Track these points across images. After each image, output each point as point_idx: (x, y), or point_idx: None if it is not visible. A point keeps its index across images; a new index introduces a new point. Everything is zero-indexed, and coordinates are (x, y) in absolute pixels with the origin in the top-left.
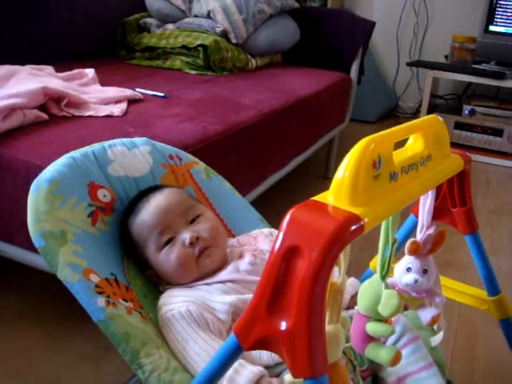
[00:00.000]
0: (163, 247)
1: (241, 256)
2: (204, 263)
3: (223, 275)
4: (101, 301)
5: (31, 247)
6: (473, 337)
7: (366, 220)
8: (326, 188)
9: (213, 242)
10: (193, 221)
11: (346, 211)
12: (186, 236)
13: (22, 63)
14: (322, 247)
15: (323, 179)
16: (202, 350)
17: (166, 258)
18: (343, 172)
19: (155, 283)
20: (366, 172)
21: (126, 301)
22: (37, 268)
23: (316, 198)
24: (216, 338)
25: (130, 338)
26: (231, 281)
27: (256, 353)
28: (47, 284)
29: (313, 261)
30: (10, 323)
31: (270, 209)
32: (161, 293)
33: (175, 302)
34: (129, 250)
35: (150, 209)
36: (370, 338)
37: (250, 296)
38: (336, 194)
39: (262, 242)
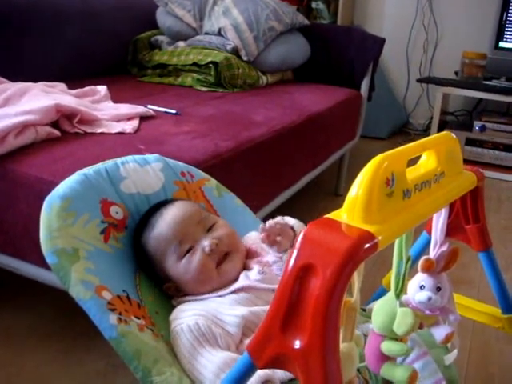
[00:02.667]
0: (183, 256)
1: (248, 268)
2: (225, 269)
3: (236, 284)
4: (113, 318)
5: (44, 264)
6: (487, 354)
7: (379, 238)
8: (337, 205)
9: (232, 248)
10: (209, 229)
11: (360, 229)
12: (206, 243)
13: (35, 80)
14: (336, 265)
15: (334, 196)
16: (208, 362)
17: (187, 267)
18: (357, 190)
19: (169, 298)
20: (380, 190)
21: (137, 318)
22: (49, 285)
23: (330, 215)
24: (223, 353)
25: (142, 355)
26: (243, 289)
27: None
28: (59, 300)
29: (327, 279)
30: (22, 339)
31: None
32: (173, 308)
33: (185, 315)
34: (144, 265)
35: (166, 221)
36: (385, 357)
37: (260, 308)
38: (350, 212)
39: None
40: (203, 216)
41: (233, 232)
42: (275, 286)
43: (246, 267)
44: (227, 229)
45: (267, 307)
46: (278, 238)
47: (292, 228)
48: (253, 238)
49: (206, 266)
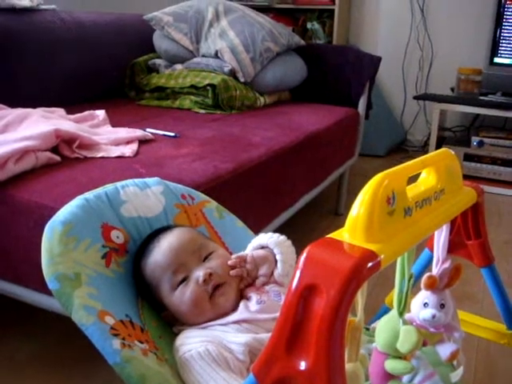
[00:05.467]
0: (177, 287)
1: (246, 297)
2: (218, 302)
3: (236, 316)
4: (116, 343)
5: (45, 290)
6: (493, 371)
7: (382, 256)
8: (338, 224)
9: (226, 279)
10: (205, 258)
11: (362, 248)
12: (200, 273)
13: (34, 106)
14: (339, 285)
15: (334, 215)
16: None
17: (181, 297)
18: (358, 209)
19: (170, 324)
20: (381, 208)
21: (141, 342)
22: (50, 310)
23: (331, 235)
24: (237, 378)
25: (146, 380)
26: (245, 321)
27: None
28: (60, 326)
29: (331, 299)
30: (23, 366)
31: None
32: (175, 334)
33: (193, 342)
34: (143, 291)
35: (162, 249)
36: (389, 376)
37: (264, 335)
38: (351, 231)
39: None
40: (200, 244)
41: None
42: (276, 315)
43: (243, 295)
44: (224, 259)
45: (269, 334)
46: (257, 272)
47: (263, 247)
48: None
49: (200, 298)
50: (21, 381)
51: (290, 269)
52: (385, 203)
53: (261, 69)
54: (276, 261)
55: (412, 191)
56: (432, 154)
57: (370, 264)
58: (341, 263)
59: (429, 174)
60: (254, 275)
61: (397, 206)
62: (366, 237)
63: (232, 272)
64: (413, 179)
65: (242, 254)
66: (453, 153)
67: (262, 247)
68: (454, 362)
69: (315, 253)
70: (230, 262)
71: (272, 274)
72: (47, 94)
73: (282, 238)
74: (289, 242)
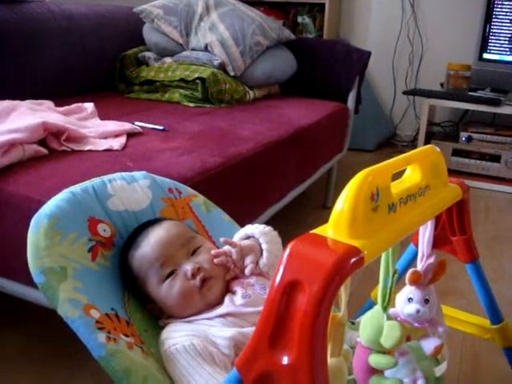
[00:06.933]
0: (165, 280)
1: (232, 291)
2: (206, 295)
3: (222, 309)
4: (101, 337)
5: (31, 283)
6: (477, 366)
7: (365, 252)
8: (326, 217)
9: (214, 273)
10: (194, 252)
11: (346, 244)
12: (188, 268)
13: (22, 98)
14: (322, 280)
15: (322, 209)
16: None
17: (169, 291)
18: (342, 205)
19: (156, 317)
20: (365, 204)
21: (126, 336)
22: (37, 303)
23: (315, 231)
24: (222, 372)
25: (131, 373)
26: (230, 314)
27: None
28: (48, 319)
29: (313, 294)
30: (11, 359)
31: None
32: (161, 327)
33: (178, 336)
34: (129, 284)
35: (150, 242)
36: (373, 370)
37: (249, 329)
38: (335, 227)
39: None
40: (188, 238)
41: None
42: (260, 308)
43: (229, 289)
44: (211, 253)
45: (254, 328)
46: (243, 262)
47: (249, 237)
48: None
49: (188, 291)
50: (8, 373)
51: (276, 259)
52: (369, 199)
53: (251, 62)
54: (261, 250)
55: (396, 187)
56: (417, 150)
57: (353, 260)
58: (324, 259)
59: (413, 170)
60: (240, 266)
61: (381, 202)
62: (350, 233)
63: (216, 260)
64: (398, 175)
65: (228, 239)
66: (438, 149)
67: (248, 237)
68: (439, 357)
69: (299, 248)
70: (213, 252)
71: (257, 263)
72: (36, 86)
73: (268, 228)
74: (275, 233)
